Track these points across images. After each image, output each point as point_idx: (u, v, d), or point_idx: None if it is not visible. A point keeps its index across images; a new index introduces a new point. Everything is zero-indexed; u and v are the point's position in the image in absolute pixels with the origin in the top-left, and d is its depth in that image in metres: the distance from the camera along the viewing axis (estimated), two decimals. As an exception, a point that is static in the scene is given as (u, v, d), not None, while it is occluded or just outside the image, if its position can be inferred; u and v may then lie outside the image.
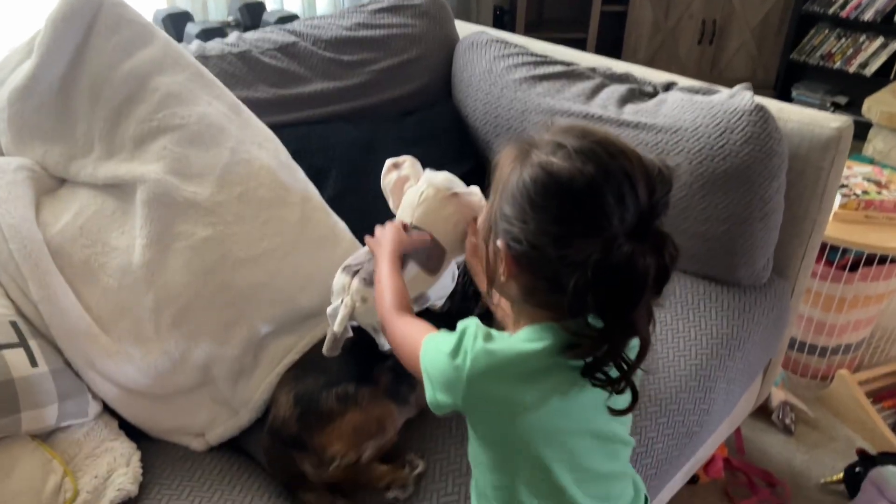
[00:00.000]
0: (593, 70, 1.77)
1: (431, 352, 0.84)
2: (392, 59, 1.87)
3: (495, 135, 1.80)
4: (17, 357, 1.11)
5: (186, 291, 1.23)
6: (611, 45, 4.27)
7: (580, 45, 4.11)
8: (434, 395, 0.82)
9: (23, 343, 1.13)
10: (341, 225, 1.41)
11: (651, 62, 4.34)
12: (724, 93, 1.57)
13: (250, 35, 1.78)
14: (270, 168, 1.36)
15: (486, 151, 1.85)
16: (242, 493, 1.19)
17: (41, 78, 1.31)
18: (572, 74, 1.75)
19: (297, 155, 1.56)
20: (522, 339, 0.80)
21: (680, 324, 1.51)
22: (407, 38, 1.90)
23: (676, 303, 1.56)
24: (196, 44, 1.69)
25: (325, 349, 1.12)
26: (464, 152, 1.86)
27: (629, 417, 0.89)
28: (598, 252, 0.70)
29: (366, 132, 1.72)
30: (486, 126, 1.82)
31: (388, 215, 1.20)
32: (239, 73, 1.67)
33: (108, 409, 1.24)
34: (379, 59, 1.86)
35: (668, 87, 1.68)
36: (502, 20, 4.26)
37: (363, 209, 1.48)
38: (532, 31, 4.19)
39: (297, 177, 1.41)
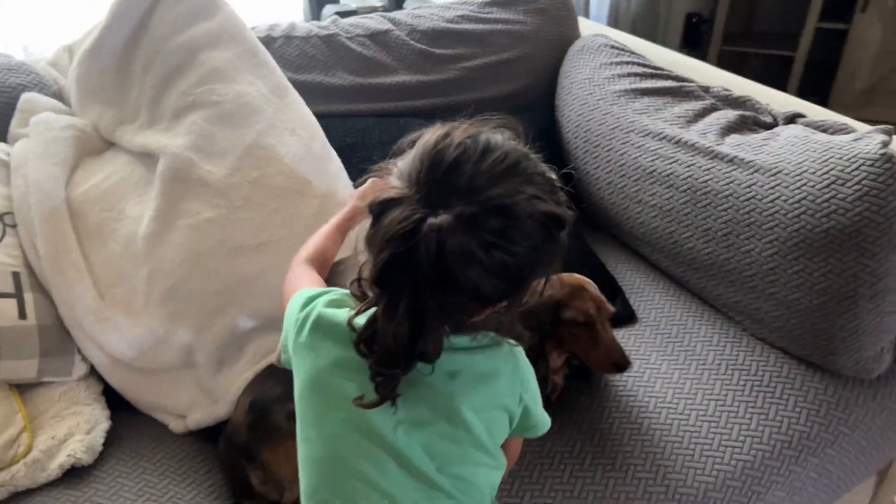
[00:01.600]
0: (707, 89, 1.50)
1: (294, 302, 0.86)
2: (490, 57, 1.73)
3: (584, 150, 1.60)
4: (7, 307, 1.15)
5: (178, 271, 1.21)
6: (823, 69, 3.73)
7: (786, 64, 3.64)
8: (283, 339, 0.87)
9: (17, 295, 1.17)
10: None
11: (871, 93, 3.73)
12: (853, 133, 1.25)
13: (347, 20, 1.73)
14: (295, 156, 1.29)
15: (574, 168, 1.65)
16: (189, 488, 1.14)
17: (107, 42, 1.35)
18: (680, 92, 1.50)
19: (353, 147, 1.49)
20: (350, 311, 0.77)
21: (741, 406, 1.23)
22: (512, 36, 1.75)
23: (744, 378, 1.27)
24: (288, 23, 1.67)
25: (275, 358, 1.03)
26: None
27: (457, 461, 0.80)
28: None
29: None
30: (576, 140, 1.62)
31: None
32: (320, 56, 1.63)
33: (96, 375, 1.25)
34: (475, 55, 1.73)
35: (793, 118, 1.37)
36: (696, 31, 3.88)
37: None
38: (730, 43, 3.78)
39: (328, 170, 1.34)
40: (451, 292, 0.67)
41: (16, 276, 1.18)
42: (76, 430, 1.16)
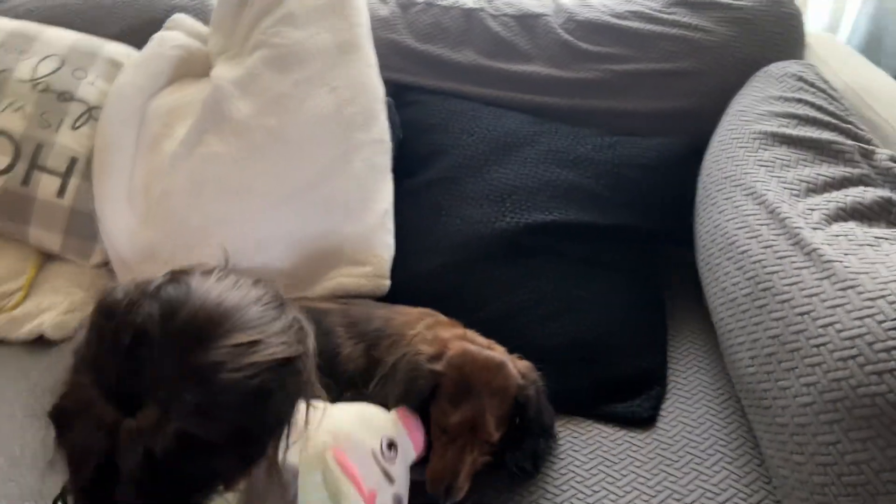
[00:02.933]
0: (872, 154, 1.03)
1: None
2: (645, 64, 1.42)
3: (701, 193, 1.23)
4: (50, 183, 1.31)
5: (177, 197, 1.24)
6: None
7: None
8: None
9: (65, 176, 1.32)
10: (360, 203, 1.20)
11: None
12: None
13: (510, -2, 1.57)
14: (319, 114, 1.23)
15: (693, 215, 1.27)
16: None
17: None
18: (829, 150, 1.06)
19: (425, 128, 1.41)
20: None
21: None
22: (687, 45, 1.41)
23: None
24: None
25: None
26: (670, 210, 1.32)
27: None
28: None
29: (551, 137, 1.36)
30: (701, 178, 1.25)
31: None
32: (453, 29, 1.51)
33: (110, 271, 1.35)
34: (628, 59, 1.43)
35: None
36: None
37: (444, 211, 1.27)
38: None
39: (351, 137, 1.24)
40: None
41: (73, 160, 1.33)
42: (58, 306, 1.27)
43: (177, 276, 0.63)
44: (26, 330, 1.25)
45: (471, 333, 1.02)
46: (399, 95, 1.48)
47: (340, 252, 1.20)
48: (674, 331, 1.27)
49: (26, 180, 1.30)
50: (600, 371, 1.14)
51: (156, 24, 1.51)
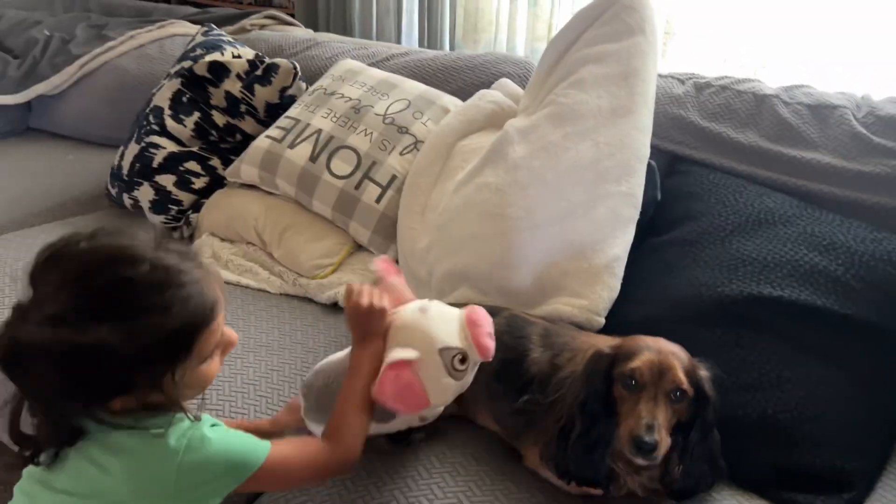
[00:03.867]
0: None
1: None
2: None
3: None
4: (373, 191, 1.68)
5: (450, 213, 1.51)
6: None
7: None
8: None
9: (385, 188, 1.68)
10: (594, 245, 1.33)
11: None
12: None
13: (808, 89, 1.56)
14: (575, 162, 1.40)
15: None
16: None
17: (555, 44, 1.67)
18: None
19: (685, 195, 1.50)
20: None
21: None
22: None
23: None
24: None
25: None
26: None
27: None
28: None
29: (811, 221, 1.33)
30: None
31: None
32: (741, 111, 1.56)
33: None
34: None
35: None
36: None
37: (674, 269, 1.35)
38: None
39: (601, 187, 1.37)
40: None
41: (393, 177, 1.69)
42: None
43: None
44: (327, 295, 1.62)
45: None
46: (671, 165, 1.58)
47: (565, 283, 1.33)
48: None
49: (358, 186, 1.69)
50: (785, 456, 1.08)
51: (487, 86, 1.84)
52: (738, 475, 1.10)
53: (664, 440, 0.94)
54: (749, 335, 1.19)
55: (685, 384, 0.95)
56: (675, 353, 0.99)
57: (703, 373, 1.00)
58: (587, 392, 1.00)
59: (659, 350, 0.98)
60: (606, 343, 1.07)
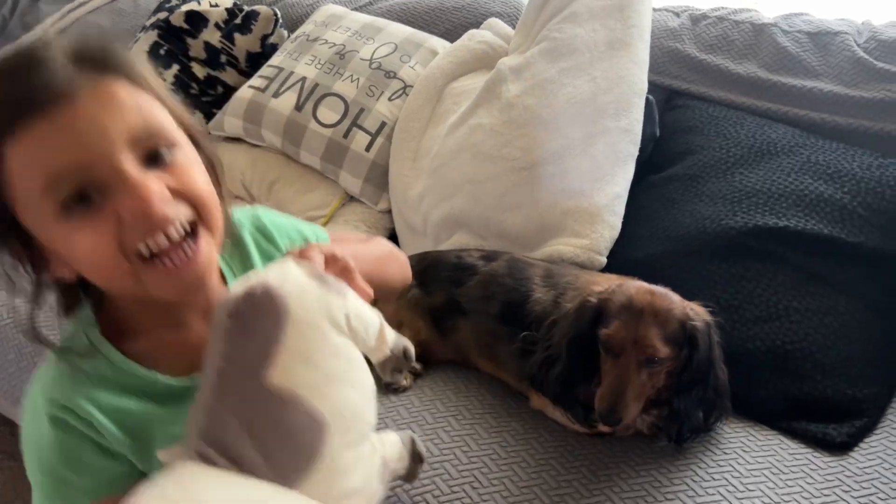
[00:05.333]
0: None
1: None
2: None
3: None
4: (363, 139, 1.63)
5: (443, 157, 1.46)
6: None
7: None
8: None
9: (374, 135, 1.63)
10: (593, 183, 1.30)
11: None
12: None
13: (807, 16, 1.52)
14: (573, 99, 1.35)
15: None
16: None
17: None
18: None
19: (684, 129, 1.47)
20: None
21: None
22: None
23: None
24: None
25: None
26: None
27: None
28: None
29: (815, 150, 1.30)
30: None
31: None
32: (739, 42, 1.51)
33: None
34: (931, 81, 1.29)
35: None
36: None
37: (676, 204, 1.31)
38: None
39: (599, 123, 1.33)
40: None
41: (383, 124, 1.64)
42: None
43: None
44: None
45: None
46: (669, 100, 1.53)
47: (565, 223, 1.30)
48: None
49: (347, 134, 1.64)
50: (795, 386, 1.07)
51: (475, 26, 1.78)
52: (748, 408, 1.08)
53: (630, 409, 0.92)
54: (756, 267, 1.16)
55: (661, 352, 0.91)
56: (657, 313, 0.93)
57: (698, 323, 0.95)
58: (572, 336, 0.99)
59: (640, 311, 0.93)
60: (602, 285, 1.03)
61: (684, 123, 1.45)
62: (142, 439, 0.67)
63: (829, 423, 1.03)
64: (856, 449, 1.00)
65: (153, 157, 0.61)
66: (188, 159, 0.64)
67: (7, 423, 1.68)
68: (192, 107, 1.84)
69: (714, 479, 0.96)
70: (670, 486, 0.95)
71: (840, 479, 0.95)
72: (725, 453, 1.00)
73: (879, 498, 0.91)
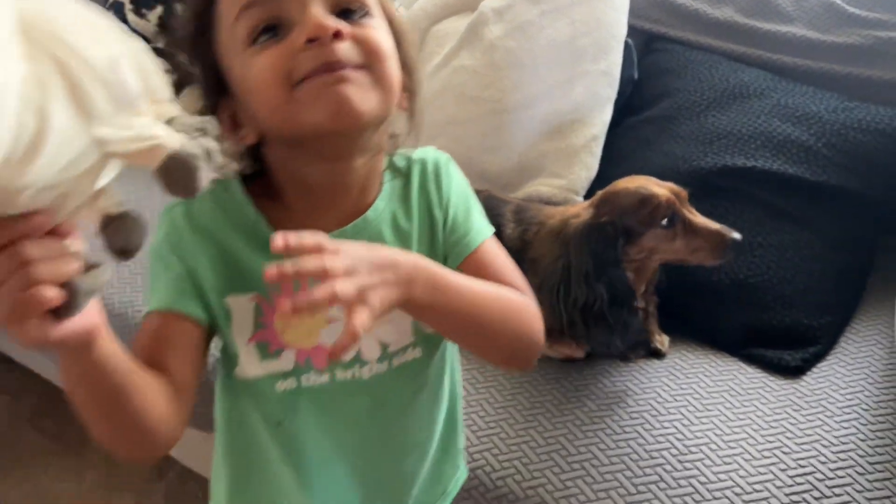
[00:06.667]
0: None
1: None
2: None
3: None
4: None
5: (427, 99, 1.49)
6: None
7: None
8: None
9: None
10: (571, 125, 1.34)
11: None
12: None
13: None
14: (552, 41, 1.38)
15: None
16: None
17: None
18: None
19: (661, 72, 1.50)
20: None
21: None
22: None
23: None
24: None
25: None
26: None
27: None
28: None
29: (784, 94, 1.34)
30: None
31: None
32: (717, -15, 1.54)
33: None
34: (897, 26, 1.34)
35: None
36: None
37: (652, 145, 1.36)
38: None
39: (578, 66, 1.37)
40: None
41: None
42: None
43: None
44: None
45: None
46: (648, 44, 1.57)
47: (543, 164, 1.35)
48: (868, 305, 1.20)
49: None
50: (756, 316, 1.14)
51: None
52: (712, 336, 1.15)
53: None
54: (724, 205, 1.22)
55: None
56: (651, 177, 1.04)
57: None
58: (597, 264, 1.00)
59: (648, 182, 1.02)
60: (576, 212, 1.07)
61: (662, 66, 1.49)
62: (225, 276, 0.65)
63: (785, 350, 1.10)
64: (808, 373, 1.07)
65: (344, 13, 0.60)
66: (379, 26, 0.61)
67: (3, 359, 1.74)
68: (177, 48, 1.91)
69: (676, 400, 1.03)
70: (636, 406, 1.02)
71: (791, 400, 1.02)
72: (688, 377, 1.08)
73: (826, 416, 0.99)
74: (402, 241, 0.69)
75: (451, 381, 0.77)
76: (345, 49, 0.58)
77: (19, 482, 1.62)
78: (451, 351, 0.77)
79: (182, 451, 1.53)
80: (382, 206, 0.68)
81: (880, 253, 1.27)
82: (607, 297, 0.99)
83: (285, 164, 0.65)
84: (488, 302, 0.64)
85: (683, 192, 1.02)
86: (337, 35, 0.57)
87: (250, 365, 0.66)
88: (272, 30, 0.59)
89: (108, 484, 1.61)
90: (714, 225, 1.01)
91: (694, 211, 1.02)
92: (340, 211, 0.67)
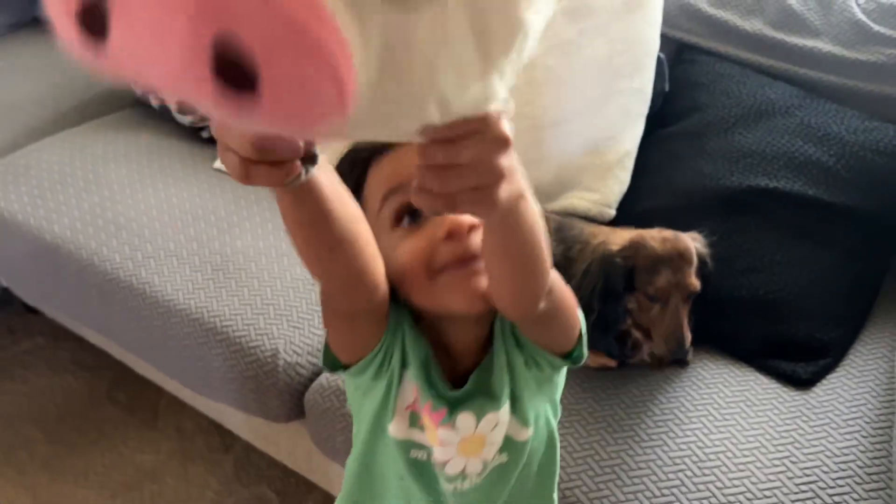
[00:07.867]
0: None
1: None
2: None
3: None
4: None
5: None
6: None
7: None
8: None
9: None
10: (606, 141, 1.44)
11: None
12: None
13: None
14: (590, 61, 1.46)
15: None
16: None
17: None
18: None
19: (691, 85, 1.56)
20: None
21: None
22: None
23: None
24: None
25: None
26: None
27: None
28: None
29: (809, 112, 1.42)
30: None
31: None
32: (744, -4, 1.60)
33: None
34: (921, 46, 1.40)
35: None
36: None
37: (681, 161, 1.45)
38: None
39: (614, 84, 1.46)
40: None
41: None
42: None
43: None
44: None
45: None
46: (679, 53, 1.64)
47: (579, 178, 1.45)
48: (877, 319, 1.31)
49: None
50: (773, 330, 1.25)
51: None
52: (732, 347, 1.28)
53: (689, 338, 1.12)
54: (747, 223, 1.33)
55: (698, 286, 1.11)
56: (683, 255, 1.12)
57: (704, 249, 1.16)
58: (602, 290, 1.14)
59: (670, 258, 1.11)
60: (613, 241, 1.18)
61: (692, 78, 1.57)
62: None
63: (798, 362, 1.22)
64: (817, 385, 1.20)
65: None
66: None
67: (76, 338, 1.90)
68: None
69: (698, 409, 1.16)
70: (661, 415, 1.16)
71: (801, 411, 1.15)
72: (709, 388, 1.21)
73: (831, 427, 1.12)
74: None
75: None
76: (476, 242, 0.66)
77: (103, 452, 1.81)
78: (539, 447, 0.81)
79: (245, 428, 1.70)
80: None
81: (891, 271, 1.37)
82: (600, 320, 1.13)
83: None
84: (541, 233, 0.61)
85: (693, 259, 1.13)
86: (471, 229, 0.66)
87: (398, 427, 0.75)
88: (414, 213, 0.68)
89: (182, 454, 1.80)
90: (685, 331, 1.11)
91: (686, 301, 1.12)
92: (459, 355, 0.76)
